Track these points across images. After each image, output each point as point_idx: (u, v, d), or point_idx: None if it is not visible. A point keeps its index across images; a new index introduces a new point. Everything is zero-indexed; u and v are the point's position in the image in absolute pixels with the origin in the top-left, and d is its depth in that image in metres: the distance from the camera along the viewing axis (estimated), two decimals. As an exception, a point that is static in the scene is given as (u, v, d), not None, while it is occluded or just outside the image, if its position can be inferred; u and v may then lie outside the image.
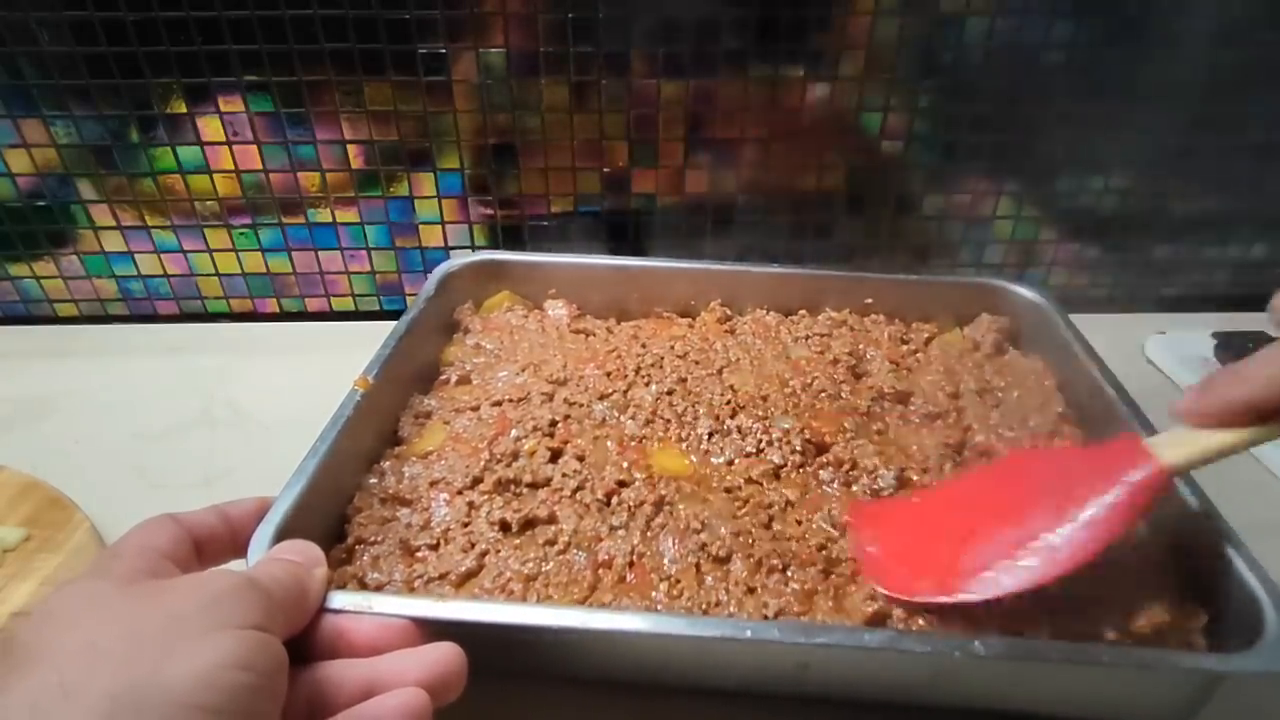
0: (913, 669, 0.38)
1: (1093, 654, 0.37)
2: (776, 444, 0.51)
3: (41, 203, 0.71)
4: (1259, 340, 0.67)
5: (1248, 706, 0.42)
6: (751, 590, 0.42)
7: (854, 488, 0.49)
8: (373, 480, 0.48)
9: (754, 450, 0.51)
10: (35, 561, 0.47)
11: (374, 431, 0.51)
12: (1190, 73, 0.67)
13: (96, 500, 0.52)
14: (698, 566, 0.43)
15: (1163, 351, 0.70)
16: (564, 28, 0.64)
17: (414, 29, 0.64)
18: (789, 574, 0.43)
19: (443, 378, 0.58)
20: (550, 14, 0.64)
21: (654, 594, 0.42)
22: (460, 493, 0.47)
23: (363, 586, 0.42)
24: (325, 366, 0.60)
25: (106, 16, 0.62)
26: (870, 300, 0.65)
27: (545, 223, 0.74)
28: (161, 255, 0.74)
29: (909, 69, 0.67)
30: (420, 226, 0.74)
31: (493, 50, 0.65)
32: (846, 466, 0.50)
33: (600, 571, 0.43)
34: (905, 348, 0.62)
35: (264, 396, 0.65)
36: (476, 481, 0.48)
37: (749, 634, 0.37)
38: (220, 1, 0.62)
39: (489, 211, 0.73)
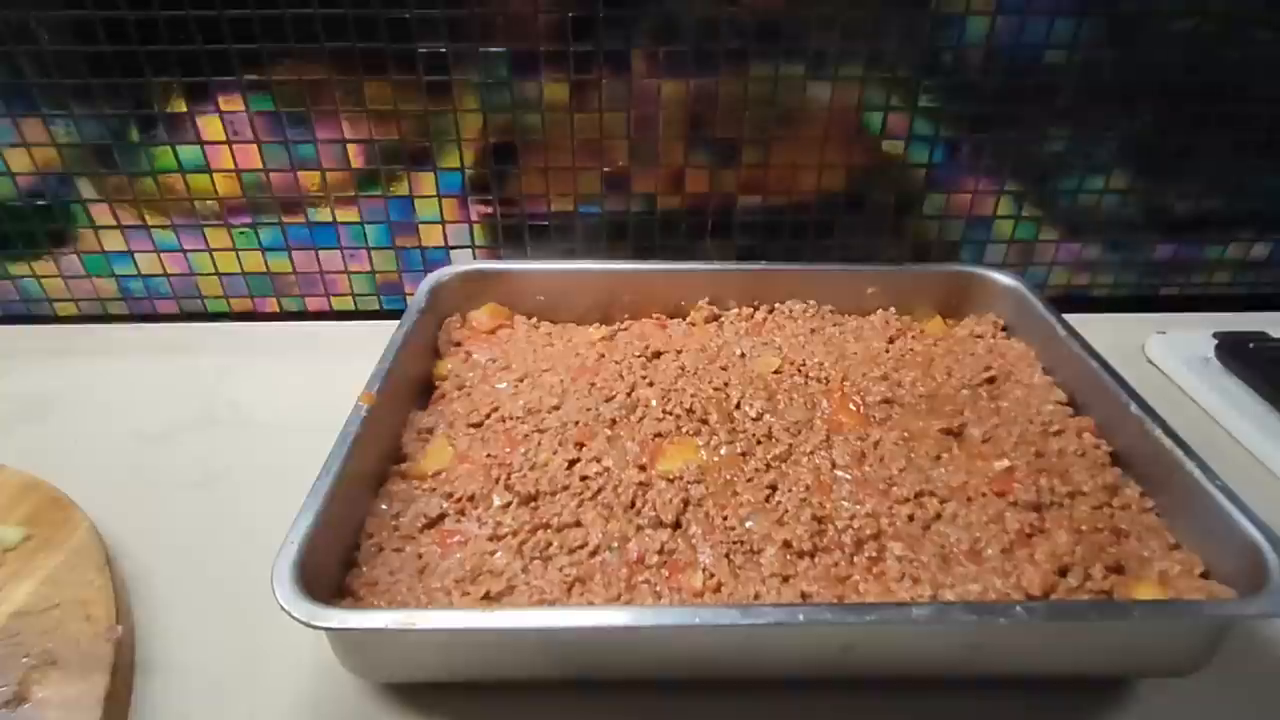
0: (956, 640, 0.39)
1: (1123, 609, 0.39)
2: (789, 433, 0.52)
3: (41, 202, 0.71)
4: (1259, 340, 0.67)
5: (1245, 655, 0.44)
6: (787, 579, 0.42)
7: (865, 468, 0.49)
8: (383, 505, 0.48)
9: (765, 439, 0.52)
10: (35, 561, 0.47)
11: (378, 449, 0.51)
12: (1190, 73, 0.67)
13: (96, 500, 0.52)
14: (729, 557, 0.44)
15: (1163, 351, 0.69)
16: (564, 27, 0.64)
17: (414, 28, 0.64)
18: (816, 560, 0.43)
19: (439, 392, 0.58)
20: (550, 13, 0.64)
21: (691, 586, 0.42)
22: (479, 510, 0.47)
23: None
24: (325, 366, 0.60)
25: (107, 15, 0.62)
26: (872, 290, 0.67)
27: (545, 223, 0.74)
28: (161, 255, 0.74)
29: (909, 69, 0.67)
30: (420, 226, 0.74)
31: (493, 50, 0.65)
32: (859, 452, 0.51)
33: (634, 571, 0.43)
34: (897, 344, 0.63)
35: (264, 396, 0.65)
36: (493, 497, 0.48)
37: (802, 618, 0.37)
38: (220, 0, 0.62)
39: (489, 211, 0.73)
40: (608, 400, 0.55)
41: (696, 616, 0.38)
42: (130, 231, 0.73)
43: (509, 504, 0.47)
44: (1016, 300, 0.64)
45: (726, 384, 0.56)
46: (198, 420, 0.63)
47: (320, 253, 0.75)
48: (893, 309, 0.67)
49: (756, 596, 0.41)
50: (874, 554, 0.44)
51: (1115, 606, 0.40)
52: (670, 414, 0.53)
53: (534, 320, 0.67)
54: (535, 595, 0.42)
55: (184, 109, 0.67)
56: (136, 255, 0.74)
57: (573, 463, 0.50)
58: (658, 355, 0.61)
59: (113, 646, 0.42)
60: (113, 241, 0.73)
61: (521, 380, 0.58)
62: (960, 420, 0.54)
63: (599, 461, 0.50)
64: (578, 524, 0.46)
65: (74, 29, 0.62)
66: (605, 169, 0.71)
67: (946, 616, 0.37)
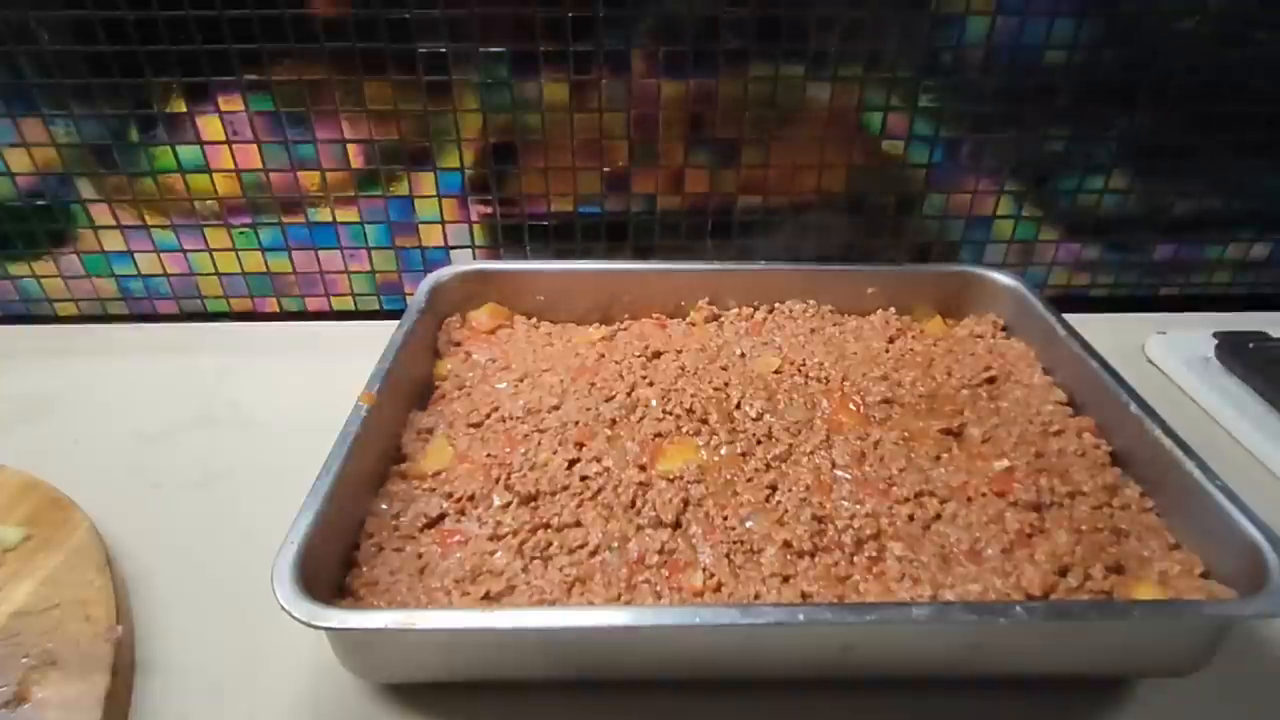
0: (956, 640, 0.39)
1: (1123, 609, 0.39)
2: (789, 433, 0.52)
3: (41, 202, 0.71)
4: (1259, 340, 0.67)
5: (1245, 655, 0.44)
6: (787, 579, 0.42)
7: (866, 468, 0.49)
8: (384, 505, 0.48)
9: (765, 438, 0.52)
10: (35, 561, 0.47)
11: (378, 449, 0.51)
12: (1190, 73, 0.67)
13: (96, 500, 0.52)
14: (729, 557, 0.44)
15: (1163, 351, 0.69)
16: (564, 27, 0.64)
17: (414, 29, 0.64)
18: (816, 559, 0.43)
19: (439, 392, 0.58)
20: (550, 13, 0.64)
21: (692, 586, 0.42)
22: (479, 510, 0.47)
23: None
24: (325, 366, 0.60)
25: (107, 15, 0.62)
26: (872, 290, 0.67)
27: (545, 223, 0.74)
28: (161, 255, 0.74)
29: (909, 69, 0.67)
30: (420, 226, 0.74)
31: (493, 50, 0.65)
32: (859, 452, 0.51)
33: (634, 571, 0.43)
34: (897, 344, 0.63)
35: (264, 396, 0.65)
36: (493, 497, 0.48)
37: (802, 618, 0.37)
38: (220, 0, 0.62)
39: (489, 211, 0.73)
40: (608, 400, 0.55)
41: (696, 616, 0.38)
42: (130, 231, 0.73)
43: (509, 504, 0.47)
44: (1016, 300, 0.64)
45: (726, 384, 0.56)
46: (198, 420, 0.63)
47: (320, 253, 0.75)
48: (893, 309, 0.67)
49: (756, 596, 0.41)
50: (874, 554, 0.44)
51: (1115, 606, 0.40)
52: (670, 414, 0.53)
53: (534, 320, 0.67)
54: (535, 595, 0.42)
55: (184, 109, 0.67)
56: (136, 255, 0.74)
57: (573, 463, 0.50)
58: (658, 355, 0.61)
59: (113, 646, 0.42)
60: (113, 241, 0.73)
61: (521, 380, 0.58)
62: (960, 420, 0.54)
63: (599, 461, 0.50)
64: (578, 524, 0.46)
65: (74, 29, 0.62)
66: (605, 169, 0.71)
67: (946, 616, 0.38)
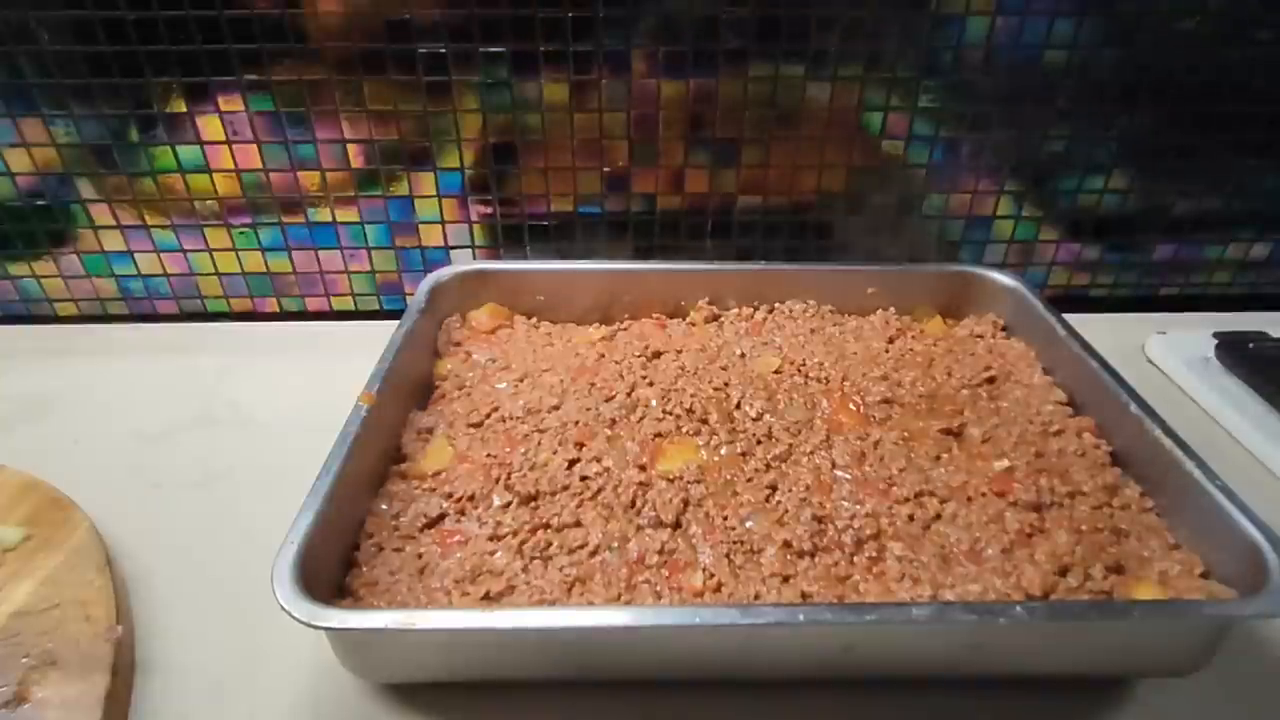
0: (956, 640, 0.39)
1: (1123, 609, 0.39)
2: (789, 433, 0.52)
3: (41, 202, 0.71)
4: (1259, 340, 0.67)
5: (1245, 655, 0.45)
6: (787, 579, 0.42)
7: (866, 468, 0.49)
8: (384, 505, 0.48)
9: (765, 438, 0.52)
10: (35, 561, 0.47)
11: (378, 449, 0.51)
12: (1190, 73, 0.67)
13: (96, 500, 0.52)
14: (729, 557, 0.44)
15: (1163, 351, 0.69)
16: (564, 27, 0.64)
17: (414, 29, 0.64)
18: (816, 559, 0.43)
19: (439, 392, 0.58)
20: (550, 13, 0.64)
21: (692, 586, 0.42)
22: (479, 510, 0.47)
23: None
24: (325, 366, 0.60)
25: (107, 15, 0.62)
26: (872, 290, 0.67)
27: (545, 223, 0.74)
28: (161, 255, 0.74)
29: (909, 69, 0.67)
30: (420, 226, 0.74)
31: (493, 50, 0.65)
32: (859, 452, 0.51)
33: (634, 571, 0.43)
34: (897, 344, 0.63)
35: (264, 396, 0.65)
36: (493, 497, 0.48)
37: (802, 618, 0.37)
38: (220, 1, 0.62)
39: (489, 211, 0.73)
40: (608, 400, 0.55)
41: (696, 616, 0.38)
42: (130, 231, 0.73)
43: (509, 504, 0.47)
44: (1016, 300, 0.64)
45: (726, 384, 0.57)
46: (198, 420, 0.63)
47: (320, 253, 0.75)
48: (893, 309, 0.67)
49: (756, 596, 0.41)
50: (874, 554, 0.44)
51: (1115, 606, 0.40)
52: (670, 414, 0.53)
53: (534, 320, 0.67)
54: (535, 595, 0.42)
55: (184, 109, 0.67)
56: (136, 255, 0.74)
57: (573, 463, 0.50)
58: (658, 355, 0.61)
59: (113, 646, 0.42)
60: (113, 241, 0.73)
61: (521, 380, 0.58)
62: (960, 420, 0.54)
63: (599, 461, 0.50)
64: (578, 524, 0.46)
65: (74, 29, 0.62)
66: (605, 169, 0.71)
67: (946, 616, 0.38)
